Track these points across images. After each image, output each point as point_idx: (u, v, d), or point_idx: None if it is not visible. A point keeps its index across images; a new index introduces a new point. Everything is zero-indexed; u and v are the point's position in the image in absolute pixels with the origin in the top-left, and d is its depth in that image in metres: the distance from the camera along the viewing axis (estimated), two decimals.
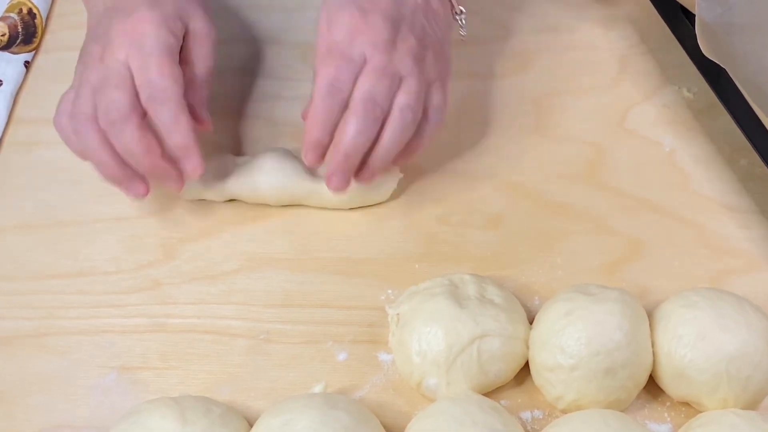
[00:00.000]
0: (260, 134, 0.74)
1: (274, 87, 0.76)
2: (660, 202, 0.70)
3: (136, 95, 0.61)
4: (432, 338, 0.58)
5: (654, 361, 0.58)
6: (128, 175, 0.62)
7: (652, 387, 0.60)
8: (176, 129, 0.61)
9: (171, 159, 0.62)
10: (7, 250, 0.67)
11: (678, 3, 0.73)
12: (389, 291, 0.65)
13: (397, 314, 0.61)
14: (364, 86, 0.60)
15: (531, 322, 0.61)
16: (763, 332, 0.57)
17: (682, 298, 0.60)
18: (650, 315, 0.60)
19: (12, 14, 0.80)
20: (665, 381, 0.59)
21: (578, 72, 0.78)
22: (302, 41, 0.79)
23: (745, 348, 0.56)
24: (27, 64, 0.78)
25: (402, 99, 0.61)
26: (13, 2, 0.81)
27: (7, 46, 0.79)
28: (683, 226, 0.68)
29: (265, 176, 0.67)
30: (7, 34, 0.80)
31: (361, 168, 0.63)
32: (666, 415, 0.60)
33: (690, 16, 0.71)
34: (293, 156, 0.69)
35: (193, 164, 0.62)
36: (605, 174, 0.71)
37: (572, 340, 0.57)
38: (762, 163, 0.65)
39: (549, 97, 0.76)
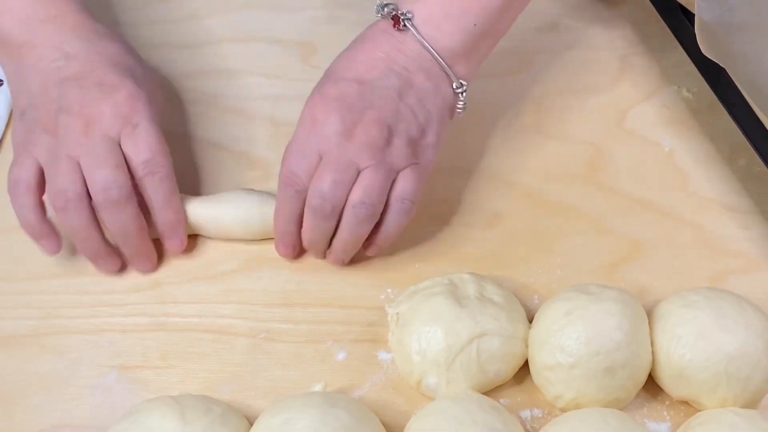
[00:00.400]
0: (260, 134, 0.74)
1: (274, 87, 0.76)
2: (659, 202, 0.70)
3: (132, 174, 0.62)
4: (432, 337, 0.58)
5: (653, 360, 0.59)
6: (109, 251, 0.64)
7: (652, 386, 0.60)
8: (170, 206, 0.63)
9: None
10: (7, 250, 0.67)
11: (678, 3, 0.73)
12: (389, 290, 0.65)
13: (397, 313, 0.61)
14: (314, 183, 0.61)
15: (530, 322, 0.61)
16: (762, 332, 0.57)
17: (682, 297, 0.60)
18: (650, 314, 0.60)
19: None
20: (664, 380, 0.59)
21: (578, 72, 0.78)
22: (303, 41, 0.79)
23: (745, 347, 0.56)
24: None
25: (355, 195, 0.61)
26: None
27: None
28: (682, 226, 0.69)
29: (230, 206, 0.66)
30: None
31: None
32: (665, 413, 0.60)
33: (690, 16, 0.71)
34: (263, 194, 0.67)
35: (178, 241, 0.65)
36: (605, 174, 0.71)
37: (572, 340, 0.57)
38: (761, 163, 0.65)
39: (549, 97, 0.76)
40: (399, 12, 0.63)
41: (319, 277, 0.66)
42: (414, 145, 0.62)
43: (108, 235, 0.64)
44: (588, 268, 0.66)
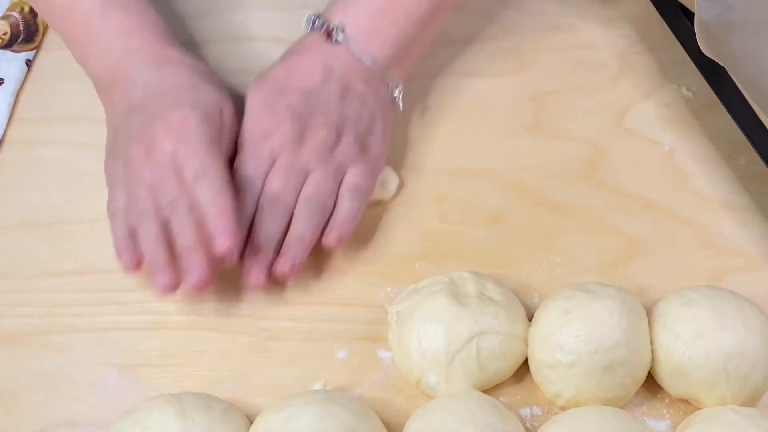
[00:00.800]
0: None
1: None
2: (659, 201, 0.70)
3: None
4: (432, 336, 0.58)
5: (653, 358, 0.59)
6: (172, 267, 0.61)
7: (651, 384, 0.60)
8: (217, 203, 0.61)
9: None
10: (9, 247, 0.67)
11: (677, 2, 0.73)
12: (389, 289, 0.65)
13: (397, 312, 0.61)
14: (268, 185, 0.64)
15: (530, 320, 0.61)
16: (761, 330, 0.57)
17: (681, 296, 0.60)
18: (649, 313, 0.61)
19: (14, 13, 0.80)
20: (664, 378, 0.59)
21: (578, 71, 0.78)
22: None
23: (744, 346, 0.56)
24: (29, 63, 0.78)
25: (306, 191, 0.64)
26: (15, 1, 0.81)
27: (8, 45, 0.79)
28: (682, 225, 0.69)
29: None
30: (9, 32, 0.80)
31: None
32: (665, 411, 0.60)
33: (689, 15, 0.71)
34: None
35: (227, 243, 0.60)
36: (605, 173, 0.72)
37: (571, 338, 0.57)
38: (761, 162, 0.65)
39: (549, 96, 0.76)
40: (331, 25, 0.67)
41: (319, 276, 0.66)
42: (361, 143, 0.66)
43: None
44: (588, 266, 0.66)
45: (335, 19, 0.67)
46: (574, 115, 0.75)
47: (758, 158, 0.66)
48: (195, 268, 0.59)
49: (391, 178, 0.69)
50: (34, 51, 0.79)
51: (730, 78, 0.66)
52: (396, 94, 0.69)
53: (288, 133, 0.64)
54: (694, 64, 0.71)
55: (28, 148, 0.73)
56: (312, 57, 0.67)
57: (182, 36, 0.79)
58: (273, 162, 0.64)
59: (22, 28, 0.80)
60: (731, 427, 0.54)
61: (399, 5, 0.67)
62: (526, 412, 0.60)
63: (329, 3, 0.70)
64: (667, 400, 0.60)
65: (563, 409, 0.59)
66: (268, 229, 0.63)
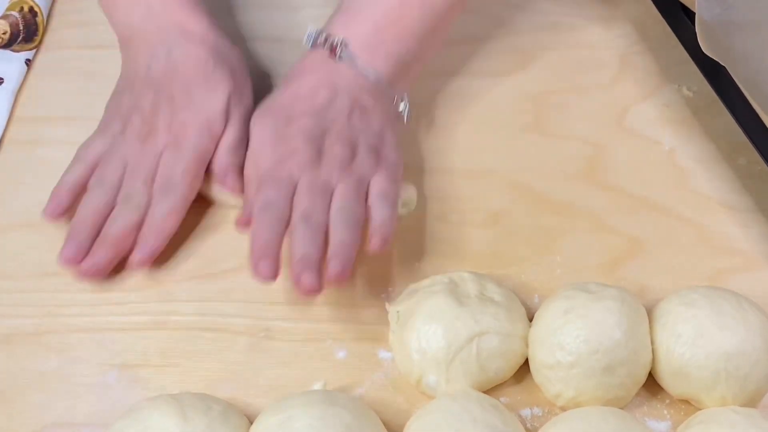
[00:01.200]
0: None
1: (275, 85, 0.76)
2: (659, 201, 0.70)
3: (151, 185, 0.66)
4: (432, 336, 0.58)
5: (653, 358, 0.59)
6: (89, 239, 0.65)
7: (652, 384, 0.60)
8: (161, 227, 0.65)
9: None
10: (8, 247, 0.67)
11: (678, 1, 0.73)
12: (389, 289, 0.65)
13: (397, 312, 0.61)
14: (297, 208, 0.62)
15: (530, 320, 0.61)
16: (761, 330, 0.57)
17: (681, 296, 0.60)
18: (649, 313, 0.60)
19: (13, 12, 0.80)
20: (664, 378, 0.59)
21: (578, 70, 0.78)
22: (303, 39, 0.79)
23: (744, 346, 0.56)
24: (28, 63, 0.78)
25: (335, 205, 0.62)
26: (15, 0, 0.81)
27: (8, 44, 0.79)
28: (682, 225, 0.69)
29: None
30: (9, 32, 0.80)
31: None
32: (665, 412, 0.60)
33: (690, 15, 0.71)
34: None
35: (141, 259, 0.64)
36: (605, 172, 0.71)
37: (571, 338, 0.57)
38: (762, 162, 0.65)
39: (549, 96, 0.76)
40: (335, 42, 0.67)
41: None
42: (376, 152, 0.65)
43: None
44: (588, 266, 0.66)
45: (338, 35, 0.67)
46: (575, 115, 0.75)
47: (759, 158, 0.66)
48: (97, 259, 0.63)
49: (409, 196, 0.68)
50: (34, 50, 0.79)
51: (731, 78, 0.66)
52: (401, 108, 0.69)
53: (305, 155, 0.63)
54: (694, 63, 0.71)
55: (28, 148, 0.73)
56: (316, 77, 0.67)
57: None
58: (294, 186, 0.63)
59: (21, 27, 0.80)
60: (732, 427, 0.54)
61: (402, 20, 0.67)
62: (526, 412, 0.60)
63: (330, 19, 0.69)
64: (667, 401, 0.60)
65: (563, 409, 0.59)
66: (308, 241, 0.60)
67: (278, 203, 0.62)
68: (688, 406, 0.59)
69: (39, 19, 0.80)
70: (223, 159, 0.67)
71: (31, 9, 0.80)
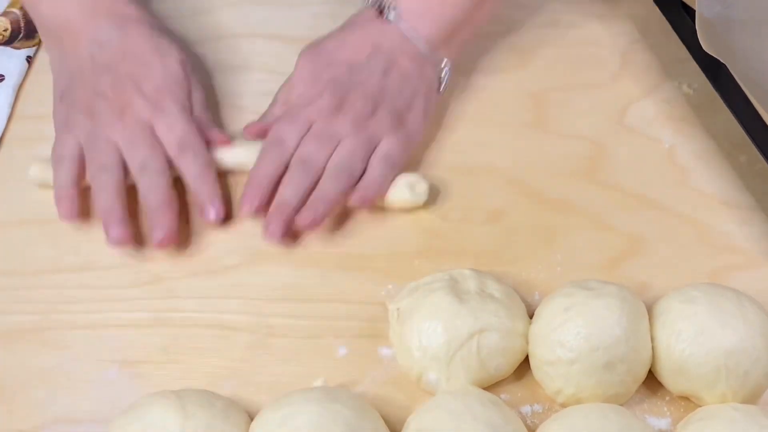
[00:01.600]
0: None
1: (275, 83, 0.76)
2: (659, 198, 0.70)
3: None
4: (432, 333, 0.58)
5: (653, 355, 0.59)
6: (126, 220, 0.65)
7: (652, 381, 0.60)
8: (205, 178, 0.66)
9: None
10: (9, 244, 0.67)
11: None
12: (390, 286, 0.65)
13: (398, 309, 0.61)
14: (300, 148, 0.66)
15: (531, 317, 0.61)
16: (761, 328, 0.57)
17: (682, 293, 0.60)
18: (650, 310, 0.61)
19: (14, 9, 0.80)
20: (664, 375, 0.59)
21: (578, 68, 0.78)
22: (304, 37, 0.79)
23: (744, 343, 0.56)
24: (29, 60, 0.78)
25: (335, 156, 0.66)
26: None
27: (9, 42, 0.79)
28: (683, 222, 0.69)
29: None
30: (9, 29, 0.80)
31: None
32: (665, 409, 0.60)
33: (690, 12, 0.71)
34: None
35: (214, 212, 0.65)
36: (605, 170, 0.71)
37: (571, 335, 0.57)
38: (762, 160, 0.65)
39: (549, 93, 0.76)
40: (383, 3, 0.69)
41: (320, 273, 0.66)
42: (399, 116, 0.67)
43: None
44: (588, 264, 0.66)
45: None
46: (575, 112, 0.75)
47: (759, 156, 0.66)
48: (162, 227, 0.64)
49: (420, 183, 0.68)
50: (35, 48, 0.79)
51: (731, 75, 0.66)
52: (443, 75, 0.70)
53: (326, 103, 0.67)
54: (694, 61, 0.71)
55: (29, 145, 0.73)
56: (363, 33, 0.70)
57: (182, 33, 0.79)
58: (308, 128, 0.66)
59: (22, 24, 0.80)
60: (732, 424, 0.54)
61: None
62: (526, 409, 0.60)
63: None
64: (667, 398, 0.60)
65: (564, 406, 0.59)
66: (294, 186, 0.64)
67: (287, 141, 0.66)
68: (688, 403, 0.59)
69: None
70: (203, 116, 0.69)
71: None
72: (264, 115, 0.71)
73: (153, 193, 0.64)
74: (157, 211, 0.64)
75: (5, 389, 0.61)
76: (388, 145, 0.67)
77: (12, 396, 0.60)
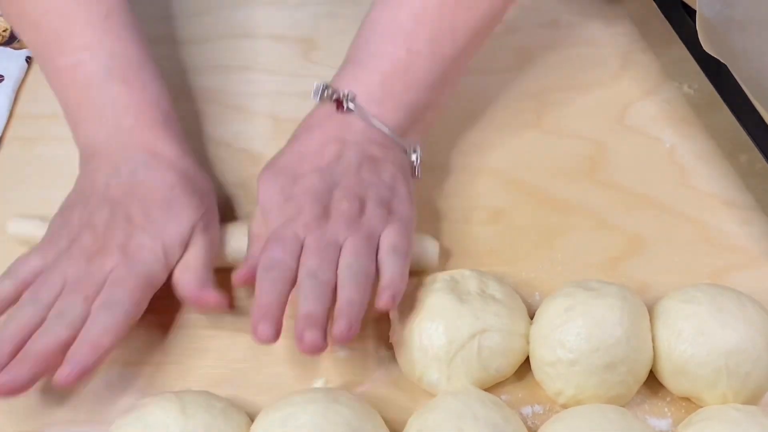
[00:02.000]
0: (261, 130, 0.74)
1: (275, 83, 0.76)
2: (660, 198, 0.70)
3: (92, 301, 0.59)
4: (433, 333, 0.58)
5: (654, 356, 0.59)
6: (12, 351, 0.57)
7: (653, 382, 0.60)
8: (105, 339, 0.58)
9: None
10: (8, 245, 0.67)
11: None
12: None
13: (399, 309, 0.61)
14: (304, 266, 0.59)
15: (532, 318, 0.61)
16: (762, 328, 0.57)
17: (682, 293, 0.60)
18: (650, 310, 0.60)
19: None
20: (665, 376, 0.59)
21: (579, 68, 0.78)
22: (304, 37, 0.79)
23: (745, 343, 0.56)
24: (29, 60, 0.78)
25: (343, 261, 0.60)
26: None
27: (8, 42, 0.79)
28: (683, 222, 0.69)
29: None
30: (9, 29, 0.80)
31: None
32: (666, 410, 0.60)
33: (691, 12, 0.71)
34: None
35: (72, 376, 0.56)
36: (606, 170, 0.72)
37: (572, 336, 0.57)
38: (762, 159, 0.65)
39: (550, 93, 0.76)
40: (341, 95, 0.64)
41: None
42: (387, 205, 0.63)
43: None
44: (589, 264, 0.66)
45: (344, 89, 0.64)
46: (575, 113, 0.75)
47: (760, 156, 0.66)
48: (14, 375, 0.55)
49: (431, 246, 0.66)
50: None
51: (732, 75, 0.66)
52: (414, 159, 0.66)
53: (310, 215, 0.61)
54: (695, 61, 0.71)
55: (29, 145, 0.73)
56: (324, 131, 0.65)
57: (182, 33, 0.79)
58: (301, 245, 0.60)
59: None
60: (733, 425, 0.54)
61: (410, 70, 0.65)
62: (527, 410, 0.60)
63: (337, 72, 0.67)
64: (668, 399, 0.60)
65: (564, 407, 0.59)
66: (314, 298, 0.58)
67: (283, 263, 0.59)
68: (689, 403, 0.59)
69: None
70: (191, 277, 0.61)
71: None
72: (245, 260, 0.63)
73: (41, 339, 0.57)
74: (34, 356, 0.56)
75: None
76: (389, 237, 0.61)
77: (12, 399, 0.60)
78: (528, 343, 0.60)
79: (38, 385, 0.60)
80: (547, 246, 0.67)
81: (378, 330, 0.63)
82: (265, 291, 0.58)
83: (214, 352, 0.62)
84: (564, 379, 0.57)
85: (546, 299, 0.61)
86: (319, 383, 0.60)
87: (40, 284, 0.60)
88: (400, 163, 0.65)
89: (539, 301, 0.63)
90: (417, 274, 0.63)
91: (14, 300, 0.59)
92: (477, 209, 0.69)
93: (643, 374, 0.59)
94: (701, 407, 0.58)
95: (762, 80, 0.63)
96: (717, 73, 0.69)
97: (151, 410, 0.55)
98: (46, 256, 0.61)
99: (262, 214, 0.63)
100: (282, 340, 0.62)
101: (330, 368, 0.61)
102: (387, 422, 0.57)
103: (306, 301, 0.57)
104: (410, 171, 0.66)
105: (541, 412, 0.60)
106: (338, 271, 0.59)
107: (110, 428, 0.56)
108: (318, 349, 0.56)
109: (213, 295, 0.61)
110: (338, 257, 0.60)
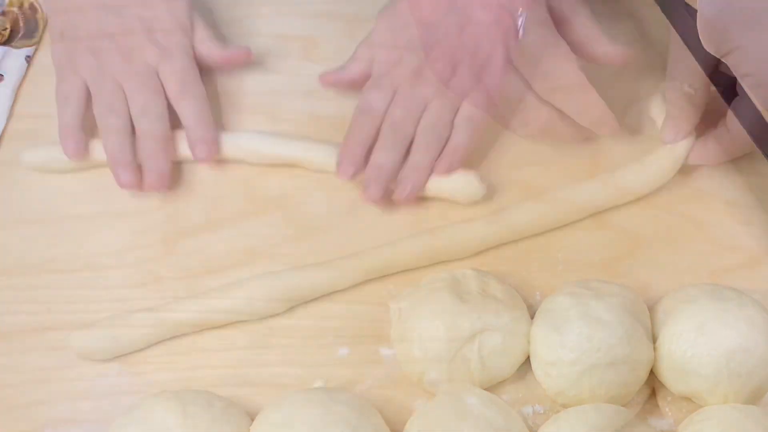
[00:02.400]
0: (261, 130, 0.74)
1: (275, 82, 0.76)
2: (660, 198, 0.70)
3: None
4: (433, 333, 0.58)
5: (655, 356, 0.59)
6: (133, 164, 0.67)
7: (653, 382, 0.60)
8: (201, 122, 0.69)
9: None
10: (8, 243, 0.67)
11: None
12: (391, 286, 0.65)
13: (399, 309, 0.61)
14: (390, 115, 0.68)
15: (532, 317, 0.61)
16: (763, 327, 0.57)
17: (683, 293, 0.60)
18: (651, 310, 0.60)
19: (13, 8, 0.80)
20: (666, 376, 0.59)
21: (579, 67, 0.78)
22: (304, 36, 0.79)
23: (746, 343, 0.56)
24: (28, 59, 0.78)
25: (424, 121, 0.68)
26: None
27: (8, 41, 0.79)
28: (684, 222, 0.69)
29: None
30: (9, 28, 0.79)
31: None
32: (667, 410, 0.60)
33: (691, 11, 0.71)
34: None
35: (206, 150, 0.68)
36: (606, 170, 0.71)
37: (573, 336, 0.57)
38: (764, 159, 0.65)
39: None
40: None
41: (321, 272, 0.66)
42: (478, 71, 0.67)
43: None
44: (589, 263, 0.66)
45: None
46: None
47: (760, 155, 0.65)
48: (155, 169, 0.67)
49: (474, 181, 0.68)
50: (34, 47, 0.79)
51: (732, 74, 0.65)
52: (520, 22, 0.69)
53: (407, 67, 0.69)
54: (695, 60, 0.71)
55: (28, 145, 0.73)
56: None
57: None
58: (394, 93, 0.69)
59: (22, 24, 0.79)
60: (734, 425, 0.54)
61: None
62: (528, 409, 0.60)
63: None
64: (669, 398, 0.60)
65: (565, 407, 0.59)
66: (388, 152, 0.67)
67: (375, 109, 0.68)
68: (689, 403, 0.59)
69: (39, 15, 0.80)
70: (211, 45, 0.73)
71: (31, 5, 0.80)
72: (343, 68, 0.72)
73: (150, 136, 0.67)
74: (152, 153, 0.67)
75: (5, 390, 0.61)
76: (469, 107, 0.68)
77: (11, 397, 0.60)
78: (529, 342, 0.60)
79: (38, 380, 0.60)
80: (547, 245, 0.67)
81: (378, 329, 0.63)
82: (356, 130, 0.68)
83: (214, 351, 0.62)
84: (564, 379, 0.57)
85: (546, 299, 0.61)
86: (319, 383, 0.60)
87: (100, 96, 0.69)
88: (504, 27, 0.68)
89: (540, 301, 0.63)
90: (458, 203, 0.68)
91: (82, 116, 0.69)
92: (477, 208, 0.69)
93: (644, 374, 0.58)
94: (702, 407, 0.58)
95: (762, 80, 0.63)
96: (717, 72, 0.69)
97: (150, 410, 0.55)
98: (82, 74, 0.70)
99: (371, 44, 0.72)
100: (282, 340, 0.63)
101: (330, 368, 0.61)
102: (387, 422, 0.57)
103: (381, 150, 0.67)
104: (514, 36, 0.69)
105: (542, 411, 0.60)
106: (418, 129, 0.68)
107: (110, 428, 0.56)
108: (376, 202, 0.67)
109: (236, 52, 0.74)
110: (422, 113, 0.68)
